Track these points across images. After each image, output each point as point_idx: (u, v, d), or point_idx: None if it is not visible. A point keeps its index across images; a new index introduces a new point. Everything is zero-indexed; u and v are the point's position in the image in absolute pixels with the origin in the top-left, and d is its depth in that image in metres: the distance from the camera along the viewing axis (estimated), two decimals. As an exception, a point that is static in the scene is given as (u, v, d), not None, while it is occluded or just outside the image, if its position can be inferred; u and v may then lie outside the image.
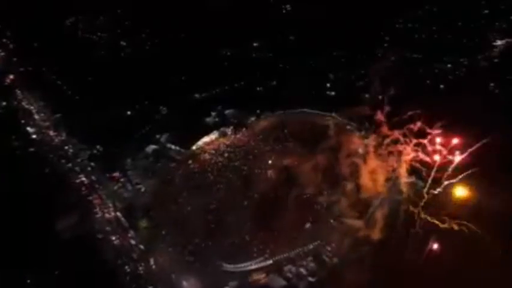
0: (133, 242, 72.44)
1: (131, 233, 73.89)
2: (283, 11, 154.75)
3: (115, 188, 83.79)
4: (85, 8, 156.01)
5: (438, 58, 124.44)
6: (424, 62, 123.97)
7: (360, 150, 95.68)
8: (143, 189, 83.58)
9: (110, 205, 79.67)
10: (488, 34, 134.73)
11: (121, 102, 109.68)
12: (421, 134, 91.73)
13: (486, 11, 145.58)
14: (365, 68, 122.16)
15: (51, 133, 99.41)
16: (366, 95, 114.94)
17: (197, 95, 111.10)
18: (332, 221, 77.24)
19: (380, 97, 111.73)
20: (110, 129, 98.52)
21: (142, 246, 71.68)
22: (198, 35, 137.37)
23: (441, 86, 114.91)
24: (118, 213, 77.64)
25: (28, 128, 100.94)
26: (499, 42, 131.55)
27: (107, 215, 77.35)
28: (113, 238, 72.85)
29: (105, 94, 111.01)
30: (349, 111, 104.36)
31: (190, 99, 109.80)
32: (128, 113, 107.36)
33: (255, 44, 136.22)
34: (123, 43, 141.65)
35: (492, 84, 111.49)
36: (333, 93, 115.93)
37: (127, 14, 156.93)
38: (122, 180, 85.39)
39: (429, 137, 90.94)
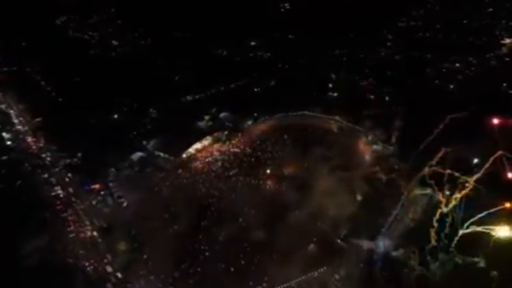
0: (109, 268, 58.59)
1: (108, 258, 60.07)
2: (282, 10, 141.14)
3: (94, 202, 69.96)
4: (78, 7, 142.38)
5: (445, 57, 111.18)
6: (431, 61, 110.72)
7: (368, 157, 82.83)
8: (125, 204, 69.74)
9: (87, 223, 65.82)
10: (495, 32, 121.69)
11: (108, 104, 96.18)
12: (435, 138, 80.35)
13: (490, 9, 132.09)
14: (368, 67, 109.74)
15: (30, 139, 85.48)
16: (372, 96, 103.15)
17: (189, 97, 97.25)
18: (339, 241, 63.86)
19: (387, 98, 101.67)
20: (94, 134, 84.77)
21: (119, 274, 57.82)
22: (193, 34, 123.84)
23: (451, 86, 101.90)
24: (95, 233, 63.88)
25: (4, 134, 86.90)
26: (507, 41, 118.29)
27: (82, 235, 63.49)
28: (87, 264, 58.93)
29: (92, 96, 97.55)
30: (354, 113, 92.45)
31: (181, 101, 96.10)
32: (115, 116, 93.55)
33: (252, 43, 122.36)
34: (115, 42, 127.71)
35: (505, 85, 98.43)
36: (335, 94, 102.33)
37: (122, 13, 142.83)
38: (102, 193, 71.56)
39: (442, 142, 79.63)
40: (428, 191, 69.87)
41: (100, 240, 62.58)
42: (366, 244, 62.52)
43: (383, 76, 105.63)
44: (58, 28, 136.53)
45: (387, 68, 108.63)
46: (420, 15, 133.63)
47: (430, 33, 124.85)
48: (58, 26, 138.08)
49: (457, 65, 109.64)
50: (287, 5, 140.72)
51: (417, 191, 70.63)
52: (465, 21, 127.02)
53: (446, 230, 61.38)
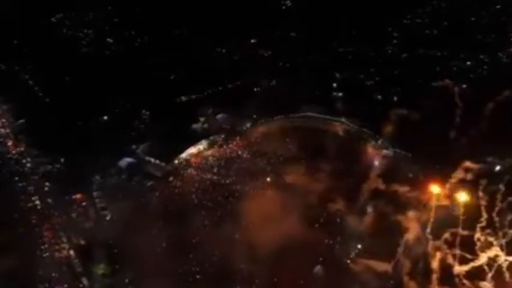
0: (84, 296, 48.90)
1: (84, 282, 50.12)
2: (283, 7, 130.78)
3: (74, 215, 60.01)
4: (76, 4, 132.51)
5: (454, 55, 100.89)
6: (440, 59, 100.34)
7: (378, 164, 72.58)
8: (108, 217, 59.85)
9: (64, 239, 55.90)
10: (505, 29, 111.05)
11: (98, 105, 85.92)
12: (450, 143, 70.55)
13: (498, 6, 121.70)
14: (375, 66, 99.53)
15: (10, 143, 75.34)
16: (379, 96, 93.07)
17: (184, 97, 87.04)
18: (348, 261, 53.81)
19: (396, 98, 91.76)
20: (80, 138, 74.90)
21: (95, 304, 48.10)
22: (190, 31, 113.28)
23: (464, 86, 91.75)
24: (72, 252, 53.92)
25: (-18, 138, 77.18)
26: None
27: (56, 254, 53.55)
28: (59, 290, 49.18)
29: (82, 96, 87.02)
30: (361, 115, 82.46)
31: (176, 101, 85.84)
32: (105, 117, 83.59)
33: (252, 41, 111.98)
34: (109, 40, 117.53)
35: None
36: (340, 94, 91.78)
37: (119, 11, 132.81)
38: (84, 204, 61.61)
39: (460, 146, 69.82)
40: (447, 202, 59.97)
41: (76, 260, 52.66)
42: (379, 265, 52.54)
43: (391, 75, 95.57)
44: (53, 25, 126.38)
45: (394, 67, 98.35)
46: (426, 12, 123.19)
47: (437, 30, 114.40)
48: (53, 23, 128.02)
49: (468, 63, 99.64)
50: (288, 2, 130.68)
51: (435, 203, 60.53)
52: (473, 19, 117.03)
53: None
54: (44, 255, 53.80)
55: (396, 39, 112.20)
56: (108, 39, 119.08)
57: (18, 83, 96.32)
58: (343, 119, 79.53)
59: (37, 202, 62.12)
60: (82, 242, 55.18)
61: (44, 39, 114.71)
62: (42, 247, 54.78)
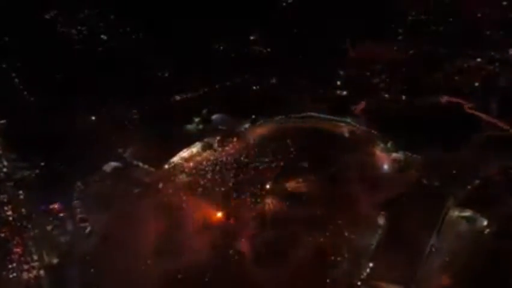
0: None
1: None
2: (284, 4, 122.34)
3: (50, 227, 51.46)
4: (69, 0, 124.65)
5: (463, 52, 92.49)
6: (448, 56, 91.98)
7: (388, 168, 63.89)
8: (88, 230, 51.22)
9: (35, 257, 47.35)
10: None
11: (86, 104, 77.39)
12: (466, 145, 62.14)
13: (504, 3, 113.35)
14: (380, 63, 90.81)
15: (-13, 146, 67.20)
16: (386, 95, 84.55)
17: (178, 96, 78.56)
18: (359, 283, 45.20)
19: (404, 97, 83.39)
20: (64, 140, 66.43)
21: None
22: (187, 27, 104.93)
23: (476, 84, 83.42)
24: (42, 272, 45.36)
25: (-41, 140, 68.69)
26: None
27: (25, 275, 44.99)
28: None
29: (70, 95, 78.99)
30: (367, 114, 74.00)
31: (169, 100, 77.44)
32: (93, 118, 75.26)
33: (251, 37, 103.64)
34: (104, 37, 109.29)
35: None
36: (345, 92, 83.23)
37: (116, 8, 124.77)
38: (62, 214, 53.03)
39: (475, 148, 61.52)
40: (469, 213, 51.51)
41: (46, 282, 44.12)
42: (395, 288, 44.01)
43: (397, 73, 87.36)
44: (46, 22, 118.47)
45: (401, 64, 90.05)
46: (430, 8, 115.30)
47: (443, 27, 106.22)
48: (47, 20, 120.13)
49: (478, 60, 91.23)
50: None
51: (455, 213, 52.00)
52: (479, 15, 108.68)
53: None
54: (11, 275, 45.20)
55: (401, 36, 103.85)
56: (102, 36, 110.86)
57: (4, 82, 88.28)
58: (348, 119, 71.06)
59: (9, 212, 53.56)
60: (55, 261, 46.52)
61: (35, 37, 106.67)
62: (10, 266, 46.16)
